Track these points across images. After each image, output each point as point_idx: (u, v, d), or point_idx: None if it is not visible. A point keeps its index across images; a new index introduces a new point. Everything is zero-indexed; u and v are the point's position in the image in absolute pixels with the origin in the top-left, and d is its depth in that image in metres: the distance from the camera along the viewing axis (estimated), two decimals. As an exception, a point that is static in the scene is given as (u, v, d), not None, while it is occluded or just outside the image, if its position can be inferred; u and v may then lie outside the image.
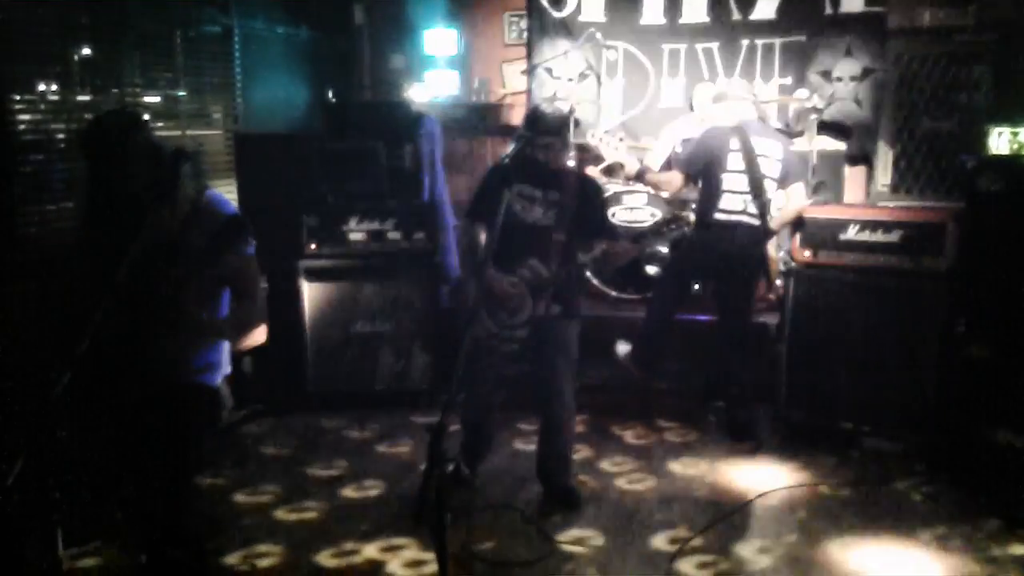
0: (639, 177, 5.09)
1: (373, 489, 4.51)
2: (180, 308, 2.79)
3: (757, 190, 4.85)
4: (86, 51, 5.23)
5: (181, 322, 2.81)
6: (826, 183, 6.68)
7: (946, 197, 5.52)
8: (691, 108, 7.00)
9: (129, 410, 2.76)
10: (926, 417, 4.61)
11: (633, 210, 6.37)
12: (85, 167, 2.96)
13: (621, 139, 5.19)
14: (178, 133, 5.85)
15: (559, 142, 4.11)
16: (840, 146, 6.85)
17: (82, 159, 2.95)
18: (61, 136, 5.00)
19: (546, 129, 4.07)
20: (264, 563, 3.79)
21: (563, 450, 4.30)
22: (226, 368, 3.17)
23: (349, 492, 4.49)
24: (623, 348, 5.32)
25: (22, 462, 2.30)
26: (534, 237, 4.07)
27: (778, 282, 5.51)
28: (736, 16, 7.14)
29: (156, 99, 5.81)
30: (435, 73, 7.65)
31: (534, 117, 4.16)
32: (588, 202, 4.21)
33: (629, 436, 5.17)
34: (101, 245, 2.95)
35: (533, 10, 7.63)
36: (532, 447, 4.64)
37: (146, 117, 3.19)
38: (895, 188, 6.09)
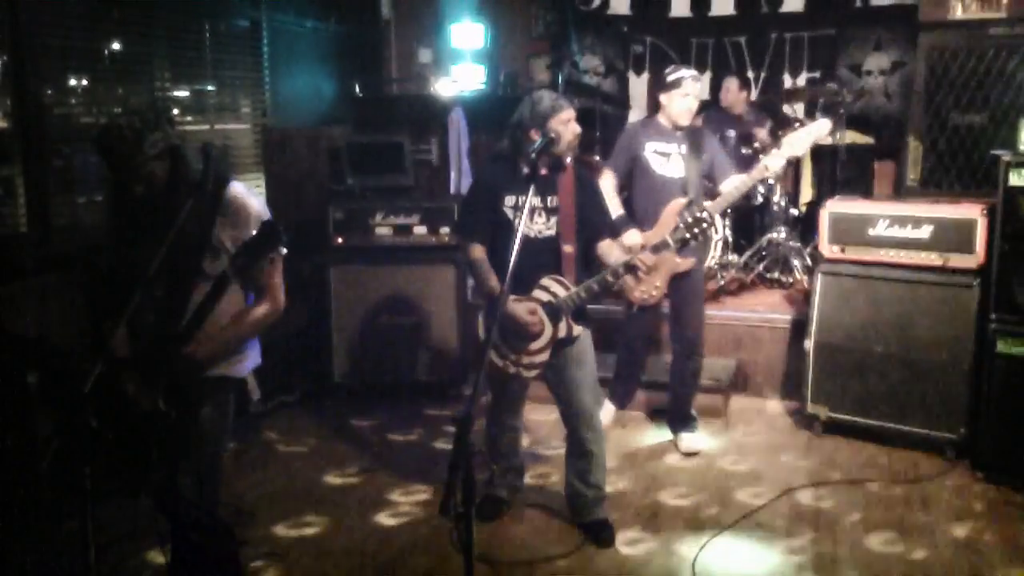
0: None
1: (398, 487, 4.54)
2: (207, 306, 2.79)
3: None
4: (116, 45, 5.28)
5: (203, 342, 2.81)
6: (854, 178, 6.64)
7: (977, 192, 5.44)
8: (718, 101, 6.98)
9: (162, 404, 2.78)
10: (959, 414, 4.57)
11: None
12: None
13: None
14: (207, 127, 5.89)
15: (560, 125, 3.64)
16: (869, 140, 6.81)
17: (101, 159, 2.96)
18: (92, 129, 5.05)
19: (533, 124, 3.66)
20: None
21: (595, 480, 3.94)
22: (256, 359, 3.18)
23: (372, 490, 4.51)
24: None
25: (54, 450, 2.33)
26: (542, 252, 3.71)
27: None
28: (765, 9, 7.11)
29: (185, 93, 5.86)
30: (462, 67, 7.65)
31: (521, 112, 3.72)
32: (587, 198, 3.82)
33: (653, 431, 5.16)
34: (129, 240, 2.97)
35: (560, 4, 7.62)
36: (554, 441, 4.65)
37: (174, 112, 3.18)
38: (925, 183, 6.01)
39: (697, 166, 4.63)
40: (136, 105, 5.25)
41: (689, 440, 4.87)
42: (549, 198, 3.73)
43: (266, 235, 2.74)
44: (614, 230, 4.06)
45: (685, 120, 4.59)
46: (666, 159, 4.63)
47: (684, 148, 4.63)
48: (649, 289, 4.58)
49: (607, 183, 4.64)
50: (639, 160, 4.66)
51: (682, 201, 4.53)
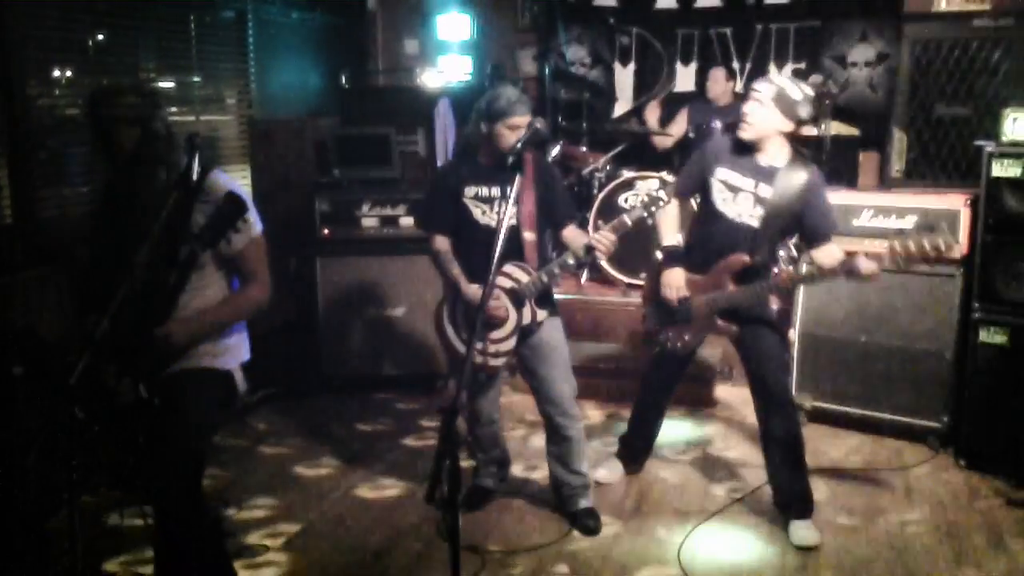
0: None
1: (385, 478, 4.55)
2: (178, 304, 2.77)
3: None
4: (101, 36, 5.26)
5: (180, 323, 2.80)
6: (839, 169, 6.67)
7: (961, 183, 5.48)
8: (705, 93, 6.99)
9: (142, 392, 2.77)
10: (941, 404, 4.61)
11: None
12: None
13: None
14: (192, 118, 5.88)
15: (506, 128, 3.60)
16: (854, 132, 6.83)
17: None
18: (77, 120, 5.03)
19: (493, 116, 3.64)
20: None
21: (577, 467, 3.96)
22: (244, 355, 3.17)
23: (360, 481, 4.52)
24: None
25: (40, 442, 2.33)
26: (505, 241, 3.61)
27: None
28: (750, 1, 7.12)
29: (171, 84, 5.84)
30: (448, 58, 7.64)
31: (479, 104, 3.70)
32: (547, 187, 3.80)
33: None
34: (115, 234, 2.96)
35: (547, -5, 7.62)
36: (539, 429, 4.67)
37: (148, 89, 3.13)
38: (909, 174, 6.04)
39: (778, 213, 3.67)
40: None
41: (803, 531, 3.82)
42: (506, 188, 3.65)
43: (230, 206, 2.72)
44: (575, 216, 3.95)
45: (742, 133, 3.70)
46: (732, 196, 3.76)
47: (762, 186, 3.68)
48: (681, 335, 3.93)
49: (669, 211, 3.90)
50: (706, 186, 3.85)
51: (744, 259, 3.70)
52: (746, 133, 3.69)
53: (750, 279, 3.72)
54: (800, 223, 3.74)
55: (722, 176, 3.78)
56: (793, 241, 6.23)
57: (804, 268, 3.64)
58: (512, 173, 2.97)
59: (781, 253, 6.32)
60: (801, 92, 3.60)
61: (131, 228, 2.80)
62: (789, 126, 3.64)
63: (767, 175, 3.70)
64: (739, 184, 3.73)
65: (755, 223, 3.70)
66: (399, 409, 5.45)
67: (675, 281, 3.87)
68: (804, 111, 3.62)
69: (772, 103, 3.60)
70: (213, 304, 2.98)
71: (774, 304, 4.08)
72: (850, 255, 3.57)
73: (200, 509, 2.96)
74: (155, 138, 2.90)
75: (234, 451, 4.79)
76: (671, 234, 3.94)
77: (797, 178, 3.63)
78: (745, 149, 3.74)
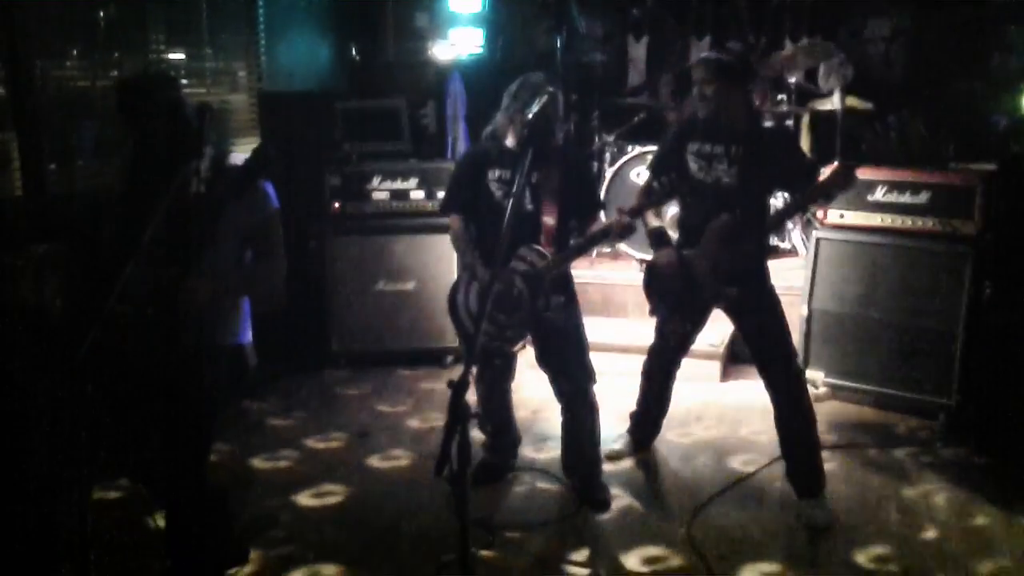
0: None
1: (394, 452, 4.56)
2: (202, 265, 2.78)
3: None
4: (111, 10, 5.23)
5: (204, 279, 2.81)
6: (853, 144, 6.62)
7: (976, 160, 5.43)
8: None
9: (152, 368, 2.77)
10: (952, 381, 4.59)
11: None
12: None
13: None
14: (203, 92, 5.86)
15: (537, 114, 3.53)
16: (868, 106, 6.76)
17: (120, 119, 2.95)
18: (87, 95, 5.02)
19: (523, 102, 3.63)
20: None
21: (590, 448, 3.99)
22: (248, 335, 3.17)
23: (369, 455, 4.53)
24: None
25: (50, 418, 2.33)
26: (522, 225, 3.60)
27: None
28: (765, -27, 7.04)
29: (181, 58, 5.81)
30: (459, 31, 7.58)
31: (513, 89, 3.73)
32: (573, 176, 3.80)
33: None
34: (132, 204, 2.96)
35: (559, -33, 7.53)
36: (552, 407, 4.67)
37: (172, 75, 3.15)
38: (924, 149, 6.00)
39: (753, 173, 3.77)
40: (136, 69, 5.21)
41: (814, 508, 3.81)
42: (532, 173, 3.66)
43: (260, 157, 2.76)
44: (601, 207, 3.96)
45: (700, 111, 3.83)
46: (708, 164, 3.85)
47: (735, 150, 3.79)
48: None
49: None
50: (682, 162, 3.90)
51: (728, 218, 3.74)
52: (706, 112, 3.80)
53: (739, 237, 3.72)
54: (780, 171, 3.81)
55: (694, 149, 3.86)
56: (806, 216, 6.21)
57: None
58: (526, 147, 2.97)
59: (793, 228, 6.29)
60: (737, 58, 3.79)
61: (151, 206, 2.79)
62: (741, 91, 3.80)
63: (736, 136, 3.78)
64: (712, 151, 3.82)
65: (734, 181, 3.77)
66: (408, 384, 5.46)
67: (667, 259, 3.88)
68: (747, 72, 3.83)
69: (717, 78, 3.71)
70: (232, 272, 2.99)
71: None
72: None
73: (205, 483, 2.96)
74: (188, 126, 2.89)
75: (243, 425, 4.81)
76: (653, 217, 3.99)
77: (763, 131, 3.83)
78: (712, 119, 3.81)
